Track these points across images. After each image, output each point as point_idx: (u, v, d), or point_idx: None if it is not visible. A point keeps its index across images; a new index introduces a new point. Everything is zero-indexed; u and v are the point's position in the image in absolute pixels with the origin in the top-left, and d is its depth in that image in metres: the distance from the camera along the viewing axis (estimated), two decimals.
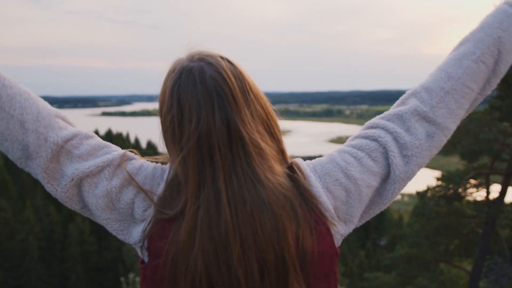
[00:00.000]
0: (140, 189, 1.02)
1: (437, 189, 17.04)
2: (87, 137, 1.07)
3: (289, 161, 1.08)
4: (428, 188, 17.30)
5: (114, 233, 1.07)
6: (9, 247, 35.59)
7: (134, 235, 1.04)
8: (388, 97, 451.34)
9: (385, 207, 1.10)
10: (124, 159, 1.05)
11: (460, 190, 17.00)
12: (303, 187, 0.99)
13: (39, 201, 40.60)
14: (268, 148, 0.98)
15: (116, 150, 1.08)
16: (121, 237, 1.07)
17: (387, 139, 1.07)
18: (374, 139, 1.09)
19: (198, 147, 0.94)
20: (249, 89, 0.99)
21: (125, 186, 1.03)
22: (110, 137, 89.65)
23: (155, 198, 1.01)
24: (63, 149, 1.03)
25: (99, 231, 42.66)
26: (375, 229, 54.42)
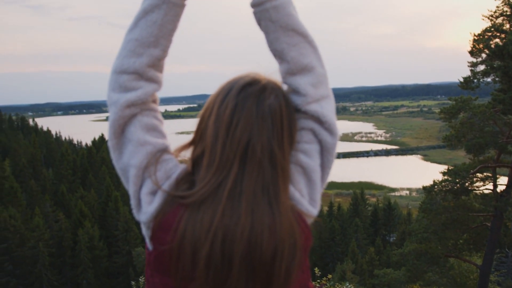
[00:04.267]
0: (155, 182, 1.13)
1: (443, 183, 17.00)
2: (155, 117, 1.22)
3: None
4: (435, 183, 17.27)
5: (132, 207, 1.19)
6: (20, 254, 35.82)
7: (143, 215, 1.13)
8: (393, 93, 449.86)
9: (328, 177, 1.26)
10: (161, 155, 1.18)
11: (467, 184, 16.97)
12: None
13: (48, 208, 40.83)
14: (289, 172, 1.15)
15: (164, 139, 1.22)
16: (134, 213, 1.17)
17: (308, 122, 1.21)
18: (301, 128, 1.21)
19: (242, 151, 1.08)
20: (292, 132, 1.16)
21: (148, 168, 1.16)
22: None
23: (166, 186, 1.13)
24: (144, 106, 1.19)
25: (108, 236, 42.85)
26: (384, 226, 54.28)
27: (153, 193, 1.14)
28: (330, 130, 1.20)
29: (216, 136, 1.10)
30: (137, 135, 1.16)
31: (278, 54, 1.21)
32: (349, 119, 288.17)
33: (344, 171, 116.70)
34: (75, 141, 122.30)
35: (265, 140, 1.09)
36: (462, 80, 17.49)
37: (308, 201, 1.17)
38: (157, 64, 1.20)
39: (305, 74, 1.19)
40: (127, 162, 1.17)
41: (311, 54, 1.20)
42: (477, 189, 17.65)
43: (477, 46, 16.89)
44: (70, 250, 39.37)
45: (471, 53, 17.18)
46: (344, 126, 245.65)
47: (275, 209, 1.07)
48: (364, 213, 54.85)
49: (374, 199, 70.73)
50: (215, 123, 1.12)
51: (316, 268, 7.49)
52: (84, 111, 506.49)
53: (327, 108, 1.21)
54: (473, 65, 17.29)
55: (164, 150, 1.19)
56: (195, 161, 1.15)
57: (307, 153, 1.19)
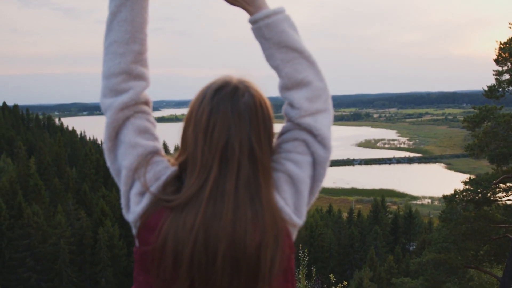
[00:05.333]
0: (143, 183, 1.18)
1: (465, 193, 16.73)
2: (147, 119, 1.28)
3: None
4: (456, 192, 17.01)
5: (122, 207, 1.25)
6: (41, 250, 36.48)
7: (131, 215, 1.19)
8: (417, 100, 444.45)
9: (319, 190, 1.27)
10: (153, 156, 1.23)
11: (489, 194, 16.67)
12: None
13: (70, 206, 41.50)
14: (272, 170, 1.18)
15: (156, 142, 1.27)
16: (124, 212, 1.23)
17: (301, 133, 1.23)
18: (294, 139, 1.24)
19: (221, 153, 1.12)
20: (269, 127, 1.19)
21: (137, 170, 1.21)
22: None
23: (154, 188, 1.17)
24: (136, 108, 1.24)
25: (128, 235, 43.28)
26: (405, 234, 53.60)
27: (142, 194, 1.18)
28: (323, 143, 1.22)
29: (195, 143, 1.15)
30: (128, 137, 1.22)
31: (275, 70, 1.26)
32: (372, 126, 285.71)
33: (365, 178, 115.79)
34: (99, 141, 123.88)
35: (244, 137, 1.12)
36: (486, 88, 17.22)
37: (292, 210, 1.19)
38: (141, 59, 1.26)
39: (300, 89, 1.22)
40: (120, 163, 1.22)
41: (307, 69, 1.23)
42: (499, 199, 17.32)
43: (503, 55, 16.62)
44: (90, 248, 39.92)
45: (497, 61, 16.90)
46: (367, 132, 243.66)
47: (257, 203, 1.10)
48: (384, 220, 54.24)
49: (395, 207, 69.86)
50: (193, 131, 1.16)
51: (331, 274, 7.44)
52: None
53: (322, 122, 1.23)
54: (499, 73, 17.01)
55: (155, 152, 1.24)
56: (182, 168, 1.20)
57: (297, 164, 1.21)
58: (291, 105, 1.24)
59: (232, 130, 1.12)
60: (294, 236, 1.22)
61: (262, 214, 1.10)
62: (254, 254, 1.07)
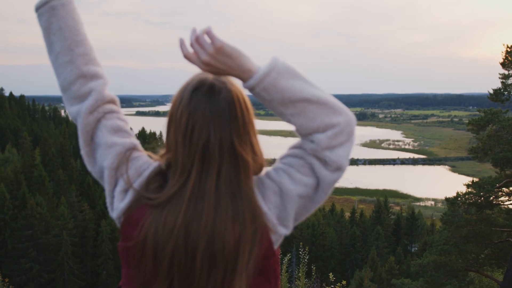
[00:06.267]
0: (126, 180, 1.21)
1: (467, 196, 16.68)
2: (119, 118, 1.31)
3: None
4: (458, 195, 16.96)
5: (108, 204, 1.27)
6: (44, 241, 36.64)
7: (115, 211, 1.22)
8: (423, 101, 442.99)
9: (314, 211, 1.26)
10: (132, 151, 1.27)
11: (491, 198, 16.61)
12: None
13: (73, 198, 41.65)
14: (252, 164, 1.18)
15: (132, 138, 1.30)
16: (109, 209, 1.26)
17: (313, 159, 1.19)
18: (301, 157, 1.20)
19: (202, 153, 1.13)
20: (250, 121, 1.19)
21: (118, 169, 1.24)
22: (143, 136, 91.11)
23: (136, 185, 1.20)
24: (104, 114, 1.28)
25: None
26: (407, 235, 53.54)
27: (125, 191, 1.21)
28: (334, 171, 1.18)
29: (176, 145, 1.17)
30: (104, 138, 1.25)
31: (289, 123, 1.20)
32: (377, 126, 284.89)
33: (369, 178, 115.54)
34: None
35: (224, 135, 1.14)
36: (492, 91, 17.15)
37: (275, 217, 1.18)
38: (89, 59, 1.29)
39: (320, 133, 1.16)
40: (100, 165, 1.25)
41: (320, 114, 1.15)
42: (502, 203, 17.26)
43: (509, 58, 16.52)
44: (92, 240, 40.05)
45: (503, 64, 16.81)
46: (372, 132, 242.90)
47: (238, 198, 1.13)
48: (386, 221, 54.17)
49: (398, 208, 69.80)
50: (174, 133, 1.18)
51: (331, 273, 7.47)
52: None
53: (339, 153, 1.16)
54: (505, 77, 16.92)
55: (133, 148, 1.27)
56: (167, 166, 1.23)
57: (294, 181, 1.19)
58: (310, 140, 1.19)
59: (211, 129, 1.13)
60: (277, 242, 1.20)
61: (242, 209, 1.12)
62: (232, 249, 1.09)
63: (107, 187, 1.24)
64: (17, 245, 36.16)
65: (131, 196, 1.19)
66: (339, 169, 1.18)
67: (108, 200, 1.25)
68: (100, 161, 1.25)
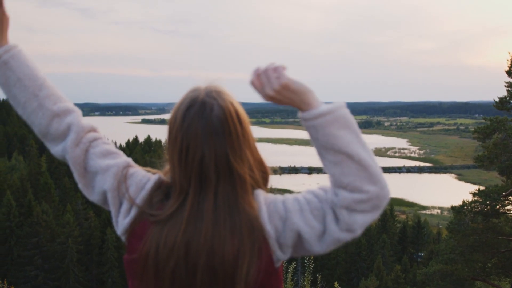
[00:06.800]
0: (128, 198, 1.24)
1: (473, 204, 16.60)
2: (104, 142, 1.34)
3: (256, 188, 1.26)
4: (464, 203, 16.88)
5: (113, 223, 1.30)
6: (49, 249, 36.71)
7: (119, 227, 1.26)
8: (429, 109, 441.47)
9: (315, 254, 1.24)
10: (127, 168, 1.30)
11: (497, 206, 16.53)
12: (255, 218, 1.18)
13: (79, 206, 41.74)
14: (249, 179, 1.20)
15: (123, 157, 1.34)
16: (115, 227, 1.29)
17: (329, 210, 1.17)
18: (320, 201, 1.19)
19: (198, 172, 1.16)
20: (245, 134, 1.21)
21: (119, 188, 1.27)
22: (149, 143, 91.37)
23: (139, 201, 1.23)
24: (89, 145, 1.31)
25: None
26: (413, 244, 53.20)
27: (129, 209, 1.24)
28: (346, 230, 1.15)
29: (174, 165, 1.21)
30: (98, 165, 1.28)
31: (323, 166, 1.20)
32: (383, 134, 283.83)
33: None
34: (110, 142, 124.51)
35: (218, 152, 1.16)
36: (497, 100, 17.12)
37: (275, 239, 1.18)
38: (56, 98, 1.32)
39: (347, 191, 1.14)
40: (100, 190, 1.28)
41: (355, 174, 1.13)
42: (508, 212, 17.17)
43: None
44: (97, 248, 40.09)
45: (509, 73, 16.81)
46: (377, 140, 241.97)
47: (236, 213, 1.15)
48: (392, 229, 53.86)
49: (403, 216, 69.38)
50: (171, 154, 1.22)
51: (336, 282, 7.44)
52: (121, 112, 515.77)
53: (357, 220, 1.14)
54: (510, 85, 16.90)
55: (128, 165, 1.31)
56: (172, 185, 1.25)
57: (303, 217, 1.17)
58: (335, 193, 1.17)
59: (206, 148, 1.16)
60: (277, 262, 1.20)
61: (239, 222, 1.14)
62: (231, 262, 1.12)
63: (112, 209, 1.26)
64: (23, 253, 36.24)
65: (134, 212, 1.22)
66: (349, 231, 1.15)
67: (114, 220, 1.27)
68: (100, 187, 1.28)
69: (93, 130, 1.34)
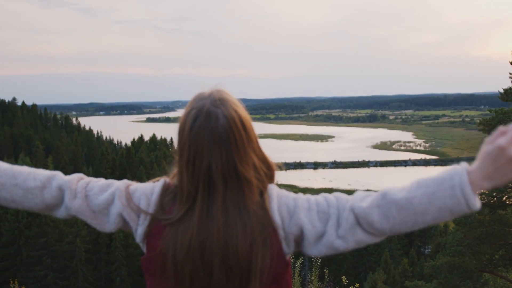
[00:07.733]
0: (138, 210, 1.30)
1: (480, 196, 16.55)
2: (96, 182, 1.38)
3: (267, 186, 1.32)
4: None
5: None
6: (58, 249, 36.92)
7: (138, 236, 1.31)
8: (434, 102, 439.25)
9: (310, 255, 1.30)
10: (128, 188, 1.34)
11: (504, 198, 16.49)
12: (266, 209, 1.25)
13: None
14: (255, 182, 1.26)
15: (119, 182, 1.38)
16: (135, 237, 1.35)
17: (333, 215, 1.24)
18: (329, 205, 1.25)
19: (205, 179, 1.22)
20: (250, 138, 1.26)
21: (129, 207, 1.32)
22: (154, 142, 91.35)
23: (151, 208, 1.29)
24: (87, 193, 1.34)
25: None
26: (420, 237, 53.12)
27: (145, 218, 1.30)
28: (341, 237, 1.23)
29: (181, 172, 1.26)
30: (102, 200, 1.32)
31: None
32: (388, 128, 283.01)
33: (381, 180, 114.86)
34: (115, 141, 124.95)
35: (225, 159, 1.21)
36: (502, 91, 17.04)
37: (282, 229, 1.24)
38: (32, 175, 1.35)
39: (365, 214, 1.20)
40: (115, 215, 1.32)
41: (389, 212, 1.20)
42: None
43: None
44: (105, 247, 40.26)
45: None
46: (382, 134, 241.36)
47: (245, 213, 1.21)
48: None
49: None
50: (179, 162, 1.27)
51: (344, 276, 7.47)
52: (125, 112, 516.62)
53: (356, 234, 1.22)
54: None
55: (127, 185, 1.35)
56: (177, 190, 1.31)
57: (308, 215, 1.24)
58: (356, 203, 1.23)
59: (212, 157, 1.21)
60: (287, 253, 1.27)
61: (250, 222, 1.20)
62: (246, 256, 1.18)
63: (133, 225, 1.31)
64: (32, 253, 36.48)
65: (148, 220, 1.28)
66: (343, 240, 1.22)
67: (134, 233, 1.32)
68: (113, 213, 1.32)
69: (81, 178, 1.38)
